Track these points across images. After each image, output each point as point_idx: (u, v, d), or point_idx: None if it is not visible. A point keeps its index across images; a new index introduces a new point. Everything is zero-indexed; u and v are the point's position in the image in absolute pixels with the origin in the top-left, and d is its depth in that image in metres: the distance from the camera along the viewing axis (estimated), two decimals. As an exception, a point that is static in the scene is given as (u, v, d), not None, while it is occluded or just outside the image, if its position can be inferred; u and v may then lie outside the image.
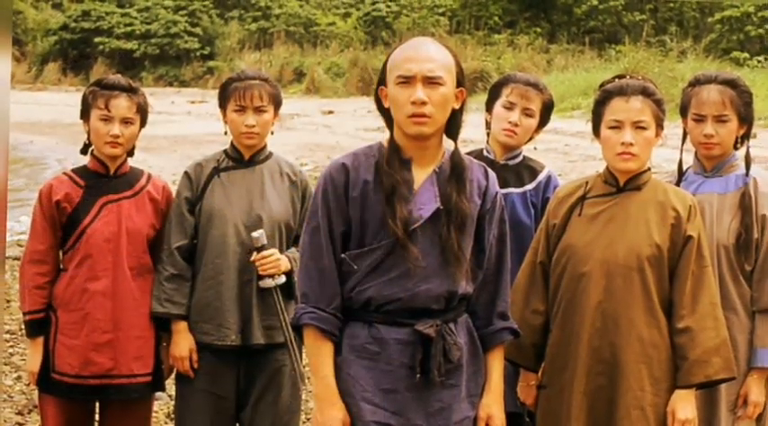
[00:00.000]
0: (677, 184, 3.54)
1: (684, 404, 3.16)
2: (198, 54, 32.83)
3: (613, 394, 3.18)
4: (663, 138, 3.29)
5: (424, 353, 2.85)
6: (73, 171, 3.77)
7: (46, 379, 3.68)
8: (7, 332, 6.66)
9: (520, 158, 3.84)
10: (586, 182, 3.36)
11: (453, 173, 2.90)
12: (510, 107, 3.76)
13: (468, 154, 3.25)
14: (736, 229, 3.47)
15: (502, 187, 3.17)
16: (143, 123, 3.74)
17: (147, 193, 3.74)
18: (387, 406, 2.86)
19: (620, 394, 3.17)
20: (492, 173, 3.04)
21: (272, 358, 3.74)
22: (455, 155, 2.93)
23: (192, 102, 25.54)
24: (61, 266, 3.72)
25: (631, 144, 3.20)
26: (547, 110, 3.83)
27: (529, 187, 3.79)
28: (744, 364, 3.42)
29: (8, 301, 7.01)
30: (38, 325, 3.68)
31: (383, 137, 2.98)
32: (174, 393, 4.03)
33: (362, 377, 2.88)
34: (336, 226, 2.90)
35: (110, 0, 34.56)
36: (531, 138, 3.85)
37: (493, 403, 2.99)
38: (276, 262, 3.66)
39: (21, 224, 9.58)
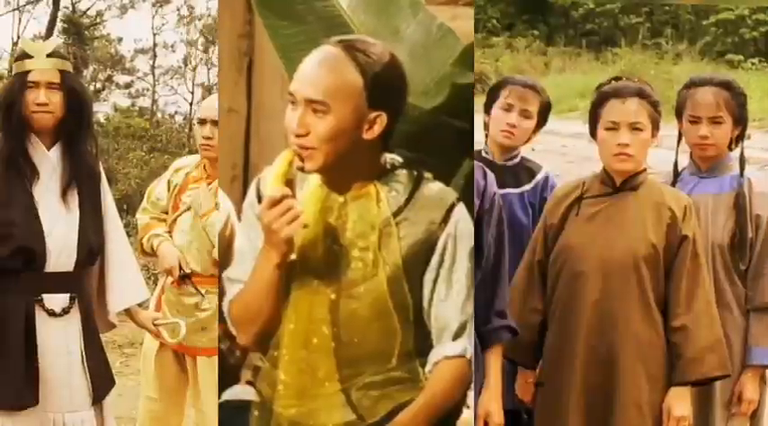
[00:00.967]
0: (672, 185, 3.57)
1: (680, 401, 3.18)
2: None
3: (610, 392, 3.20)
4: (659, 140, 3.32)
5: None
6: None
7: None
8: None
9: (518, 159, 3.87)
10: (583, 183, 3.39)
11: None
12: (508, 109, 3.79)
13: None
14: (730, 229, 3.50)
15: (500, 187, 3.20)
16: None
17: None
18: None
19: (617, 391, 3.19)
20: (490, 174, 3.07)
21: None
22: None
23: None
24: None
25: (627, 145, 3.22)
26: (544, 111, 3.86)
27: (527, 187, 3.82)
28: (738, 362, 3.45)
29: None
30: None
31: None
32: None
33: None
34: None
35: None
36: (528, 140, 3.88)
37: (491, 401, 3.02)
38: None
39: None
